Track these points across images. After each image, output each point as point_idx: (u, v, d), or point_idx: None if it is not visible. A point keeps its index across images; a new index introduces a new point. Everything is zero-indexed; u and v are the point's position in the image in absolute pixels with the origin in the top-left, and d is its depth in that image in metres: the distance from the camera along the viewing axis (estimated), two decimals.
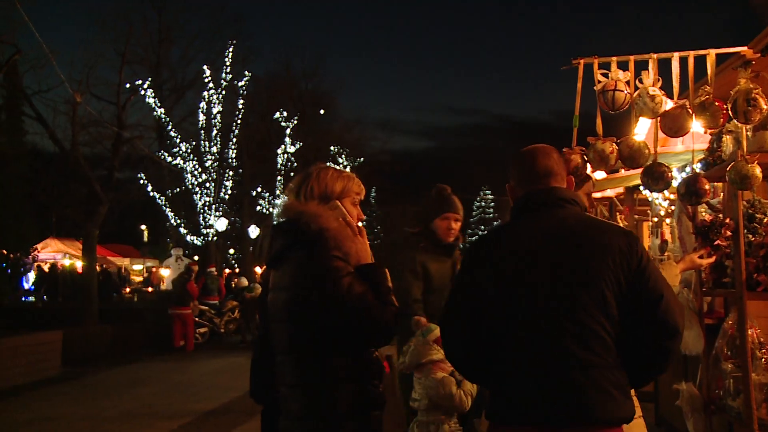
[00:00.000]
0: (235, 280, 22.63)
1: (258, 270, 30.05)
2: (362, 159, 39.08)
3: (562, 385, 2.40)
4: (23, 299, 25.44)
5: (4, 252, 22.36)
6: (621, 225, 9.94)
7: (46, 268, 29.04)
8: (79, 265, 26.06)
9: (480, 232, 73.53)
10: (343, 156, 37.16)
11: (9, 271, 23.14)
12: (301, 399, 2.75)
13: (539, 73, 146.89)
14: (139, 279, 38.50)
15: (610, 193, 9.54)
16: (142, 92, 24.47)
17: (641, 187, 6.37)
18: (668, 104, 4.55)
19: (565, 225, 2.60)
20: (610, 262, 2.48)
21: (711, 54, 4.52)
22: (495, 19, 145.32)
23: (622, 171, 7.01)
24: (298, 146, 33.74)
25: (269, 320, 2.91)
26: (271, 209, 34.19)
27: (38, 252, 26.46)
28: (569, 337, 2.42)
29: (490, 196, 74.08)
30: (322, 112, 41.27)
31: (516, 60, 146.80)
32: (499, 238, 2.70)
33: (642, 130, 6.27)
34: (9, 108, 23.24)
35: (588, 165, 4.52)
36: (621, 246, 2.52)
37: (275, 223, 3.00)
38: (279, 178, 33.64)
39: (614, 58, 4.66)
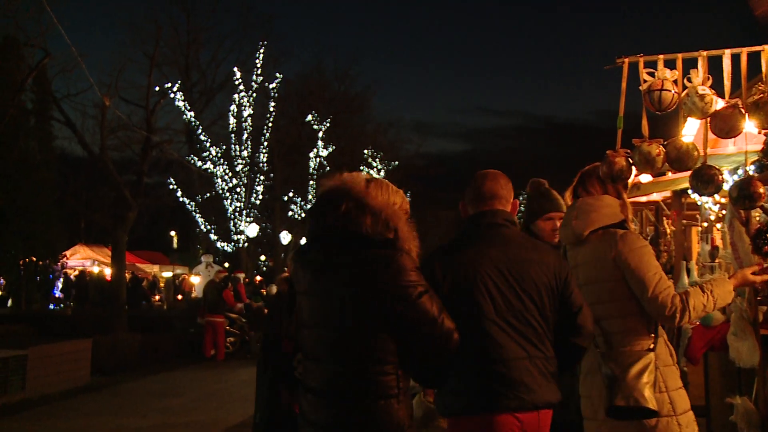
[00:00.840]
0: (266, 287, 22.72)
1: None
2: (396, 162, 39.09)
3: (516, 373, 2.98)
4: (52, 307, 25.77)
5: (33, 259, 22.72)
6: (667, 230, 9.82)
7: (73, 275, 29.42)
8: (107, 272, 26.36)
9: None
10: (377, 159, 37.20)
11: (38, 278, 23.54)
12: (336, 411, 2.74)
13: (582, 73, 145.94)
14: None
15: (656, 197, 9.43)
16: (172, 95, 24.76)
17: (690, 191, 6.27)
18: (719, 104, 4.48)
19: (511, 243, 3.19)
20: (547, 274, 3.14)
21: (766, 50, 4.44)
22: (535, 18, 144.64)
23: (669, 174, 6.92)
24: (330, 150, 33.84)
25: (305, 323, 2.90)
26: (303, 214, 34.33)
27: (67, 259, 26.84)
28: (519, 335, 3.02)
29: None
30: (355, 114, 41.41)
31: (557, 59, 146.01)
32: (454, 254, 3.16)
33: (690, 131, 6.19)
34: (38, 112, 23.60)
35: (633, 168, 4.46)
36: (554, 261, 3.20)
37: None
38: (311, 182, 33.76)
39: (661, 56, 4.60)
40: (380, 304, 2.69)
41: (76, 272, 29.95)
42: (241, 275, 20.94)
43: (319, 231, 2.92)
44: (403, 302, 2.67)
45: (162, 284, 36.69)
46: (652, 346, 3.52)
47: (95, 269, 30.54)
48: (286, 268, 11.73)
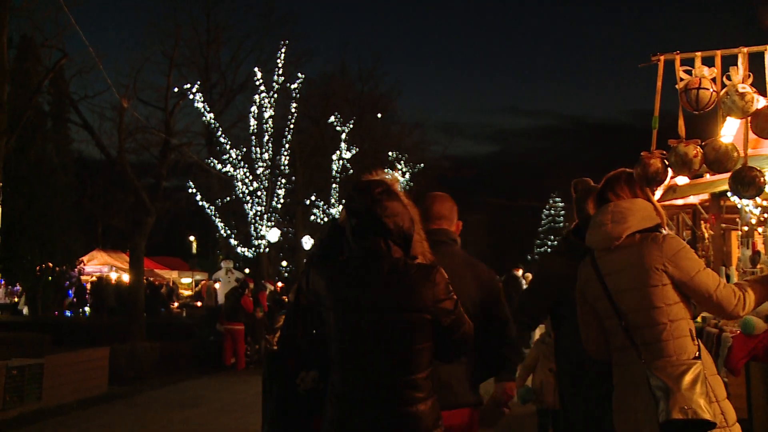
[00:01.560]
0: (287, 294, 22.75)
1: None
2: (422, 165, 39.05)
3: (444, 376, 3.49)
4: (67, 314, 26.00)
5: (50, 265, 22.92)
6: (705, 235, 9.73)
7: (88, 283, 29.65)
8: (126, 278, 26.54)
9: (549, 243, 72.67)
10: (402, 162, 37.20)
11: (51, 280, 23.73)
12: (370, 417, 2.94)
13: (616, 71, 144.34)
14: (188, 293, 39.04)
15: (693, 199, 9.34)
16: (191, 96, 24.90)
17: (729, 194, 6.22)
18: (760, 102, 4.43)
19: (452, 258, 3.79)
20: (479, 289, 3.70)
21: None
22: (567, 15, 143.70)
23: (707, 176, 6.86)
24: (354, 152, 33.88)
25: (339, 333, 3.05)
26: (325, 219, 34.39)
27: (84, 265, 27.05)
28: None
29: (561, 204, 73.07)
30: (379, 115, 41.40)
31: (590, 57, 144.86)
32: None
33: (730, 131, 6.13)
34: (55, 115, 23.84)
35: (669, 170, 4.41)
36: (486, 278, 3.85)
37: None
38: (334, 185, 33.81)
39: (698, 54, 4.56)
40: (424, 317, 2.97)
41: (93, 278, 30.21)
42: (270, 286, 20.95)
43: (355, 234, 3.11)
44: (449, 315, 3.02)
45: (181, 290, 36.91)
46: (698, 353, 3.48)
47: (113, 275, 30.79)
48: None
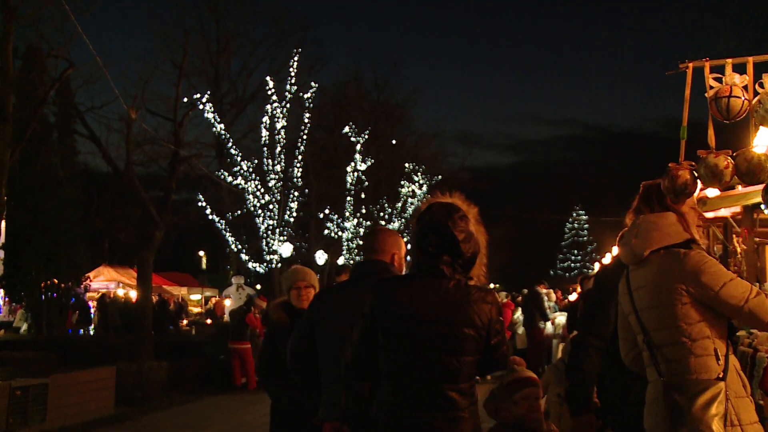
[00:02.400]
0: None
1: None
2: (440, 177, 39.05)
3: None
4: (74, 332, 26.08)
5: (55, 281, 23.03)
6: (738, 249, 9.66)
7: (93, 300, 29.76)
8: (133, 294, 26.63)
9: (573, 258, 72.31)
10: (419, 173, 37.21)
11: (59, 301, 23.82)
12: (426, 418, 3.37)
13: (643, 79, 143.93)
14: (198, 310, 39.11)
15: (725, 212, 9.28)
16: (201, 107, 25.01)
17: (763, 206, 6.17)
18: None
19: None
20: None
21: None
22: (591, 21, 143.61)
23: (739, 188, 6.82)
24: (369, 163, 33.90)
25: (394, 346, 3.47)
26: (339, 233, 34.42)
27: (90, 281, 27.17)
28: None
29: (584, 217, 72.74)
30: (395, 125, 41.51)
31: (615, 64, 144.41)
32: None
33: (763, 141, 6.08)
34: (61, 126, 24.01)
35: (698, 182, 4.38)
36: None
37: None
38: (348, 198, 33.84)
39: (729, 60, 4.53)
40: (480, 333, 3.43)
41: (98, 295, 30.33)
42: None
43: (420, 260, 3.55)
44: (498, 335, 3.50)
45: (190, 307, 36.96)
46: (721, 374, 3.44)
47: (120, 292, 30.89)
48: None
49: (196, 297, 42.10)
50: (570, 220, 74.03)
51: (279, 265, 28.77)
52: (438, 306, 3.40)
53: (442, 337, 3.38)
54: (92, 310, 28.72)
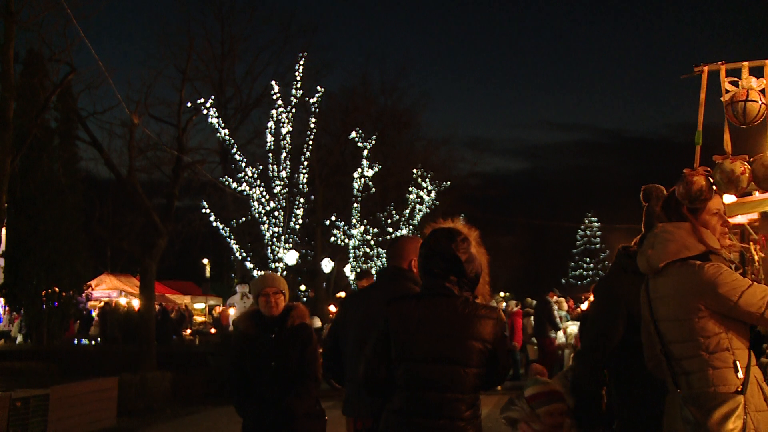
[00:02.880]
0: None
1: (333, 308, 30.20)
2: (448, 183, 39.04)
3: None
4: (75, 342, 26.11)
5: (56, 290, 23.05)
6: (755, 257, 9.60)
7: (95, 309, 29.78)
8: (135, 303, 26.64)
9: (585, 265, 72.14)
10: (427, 180, 37.20)
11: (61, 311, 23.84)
12: (433, 424, 3.71)
13: (656, 83, 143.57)
14: (202, 319, 39.11)
15: (741, 219, 9.22)
16: (205, 112, 25.06)
17: None
18: None
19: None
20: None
21: None
22: (602, 23, 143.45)
23: (757, 194, 6.77)
24: (376, 169, 33.90)
25: (412, 358, 3.82)
26: (346, 240, 34.42)
27: (92, 290, 27.20)
28: None
29: (596, 224, 72.63)
30: (403, 130, 41.51)
31: (628, 67, 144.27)
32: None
33: None
34: (63, 132, 24.05)
35: (714, 188, 4.36)
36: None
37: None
38: (355, 205, 33.83)
39: (745, 63, 4.52)
40: (486, 347, 3.79)
41: (101, 304, 30.34)
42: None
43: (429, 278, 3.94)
44: (502, 350, 3.87)
45: (195, 316, 36.96)
46: (740, 387, 3.42)
47: (122, 300, 30.92)
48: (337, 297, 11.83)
49: (199, 306, 42.10)
50: (582, 226, 74.00)
51: (285, 273, 28.76)
52: (447, 321, 3.78)
53: (451, 350, 3.75)
54: (95, 320, 28.76)
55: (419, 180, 36.96)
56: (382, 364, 3.90)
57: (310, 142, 29.05)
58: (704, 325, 3.46)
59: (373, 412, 4.32)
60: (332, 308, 30.37)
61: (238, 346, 5.54)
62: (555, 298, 18.24)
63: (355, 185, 33.67)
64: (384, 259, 32.49)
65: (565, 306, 19.09)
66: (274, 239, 28.11)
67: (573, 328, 16.71)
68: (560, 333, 17.28)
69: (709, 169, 4.36)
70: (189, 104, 23.06)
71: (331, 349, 5.03)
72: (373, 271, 18.62)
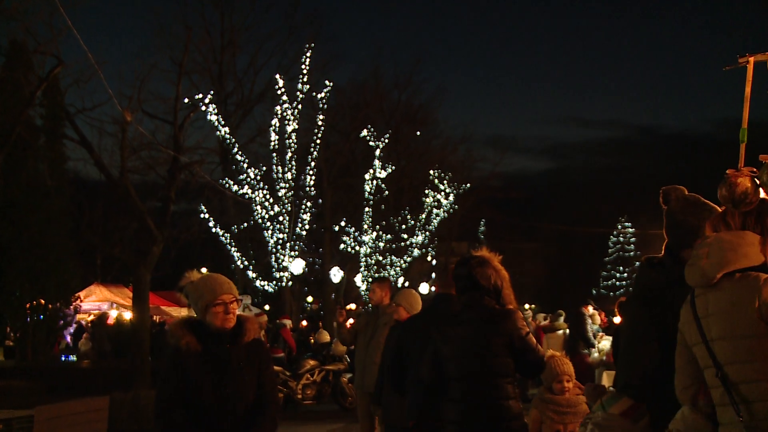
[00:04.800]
0: (314, 334, 22.76)
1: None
2: (468, 185, 39.03)
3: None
4: (64, 358, 26.18)
5: (42, 302, 23.09)
6: None
7: (87, 321, 29.83)
8: (127, 315, 26.68)
9: (618, 275, 71.81)
10: (445, 182, 37.19)
11: (46, 324, 23.85)
12: (483, 405, 5.20)
13: (696, 74, 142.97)
14: None
15: None
16: (203, 108, 25.12)
17: None
18: None
19: None
20: None
21: None
22: (632, 11, 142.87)
23: None
24: (389, 170, 33.90)
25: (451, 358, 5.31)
26: (357, 248, 34.41)
27: (81, 301, 27.25)
28: None
29: (630, 230, 72.26)
30: (418, 132, 41.49)
31: (665, 58, 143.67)
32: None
33: None
34: (49, 130, 24.11)
35: (760, 190, 4.32)
36: None
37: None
38: (367, 209, 33.83)
39: None
40: (504, 340, 5.19)
41: (91, 317, 30.39)
42: (288, 321, 21.02)
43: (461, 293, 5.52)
44: (520, 340, 5.21)
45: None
46: None
47: (113, 313, 30.96)
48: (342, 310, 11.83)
49: None
50: (614, 232, 73.55)
51: (290, 283, 28.80)
52: (478, 325, 5.26)
53: (485, 346, 5.20)
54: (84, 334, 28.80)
55: (436, 182, 36.96)
56: (436, 365, 5.38)
57: (318, 141, 29.08)
58: (765, 345, 3.38)
59: (414, 416, 5.78)
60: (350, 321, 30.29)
61: (175, 367, 4.81)
62: (591, 311, 18.11)
63: (367, 188, 33.68)
64: (397, 268, 32.50)
65: (598, 320, 18.97)
66: (279, 246, 28.16)
67: (605, 343, 16.61)
68: (593, 350, 17.17)
69: (755, 169, 4.31)
70: (186, 100, 23.13)
71: (397, 363, 6.30)
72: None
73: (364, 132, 33.29)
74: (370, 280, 33.17)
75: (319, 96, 29.02)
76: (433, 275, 47.56)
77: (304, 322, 31.26)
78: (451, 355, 5.34)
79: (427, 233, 37.83)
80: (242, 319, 4.98)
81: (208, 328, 4.85)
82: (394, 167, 34.63)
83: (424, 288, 40.66)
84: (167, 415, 4.77)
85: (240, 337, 4.90)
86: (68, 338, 28.03)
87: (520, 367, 5.30)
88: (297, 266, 28.13)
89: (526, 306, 52.60)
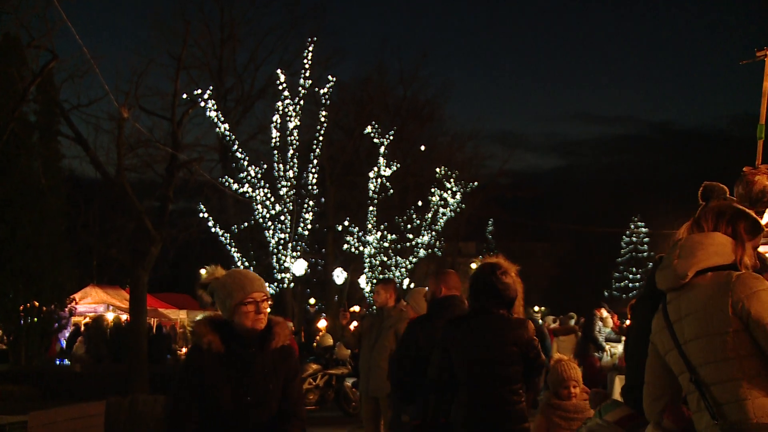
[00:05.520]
0: (317, 337, 22.76)
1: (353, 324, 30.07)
2: (475, 183, 38.99)
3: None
4: (59, 362, 26.18)
5: (36, 304, 23.08)
6: None
7: (83, 323, 29.83)
8: (124, 318, 26.68)
9: (631, 276, 71.68)
10: (452, 180, 37.15)
11: (40, 326, 23.85)
12: (493, 409, 5.55)
13: (711, 69, 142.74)
14: None
15: None
16: (202, 104, 25.14)
17: None
18: None
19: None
20: None
21: None
22: (645, 5, 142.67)
23: None
24: (394, 168, 33.88)
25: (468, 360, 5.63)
26: (361, 248, 34.40)
27: (76, 303, 27.26)
28: None
29: (643, 230, 72.12)
30: (424, 125, 41.44)
31: (678, 51, 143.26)
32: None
33: None
34: (43, 126, 24.09)
35: None
36: None
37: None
38: (371, 208, 33.82)
39: None
40: (517, 349, 5.55)
41: (87, 319, 30.38)
42: (289, 324, 21.04)
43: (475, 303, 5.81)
44: (533, 350, 5.60)
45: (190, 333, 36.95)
46: None
47: (109, 315, 30.95)
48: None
49: None
50: (627, 232, 73.38)
51: (292, 284, 28.81)
52: (491, 333, 5.58)
53: (497, 354, 5.53)
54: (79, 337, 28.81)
55: (443, 180, 36.92)
56: (446, 368, 5.69)
57: (320, 138, 29.12)
58: (739, 341, 3.35)
59: (419, 416, 5.98)
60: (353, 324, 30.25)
61: (193, 367, 4.46)
62: (604, 314, 18.09)
63: (371, 186, 33.68)
64: (402, 269, 32.47)
65: (610, 323, 18.94)
66: (280, 247, 28.19)
67: (619, 348, 16.59)
68: (605, 354, 17.16)
69: None
70: (185, 96, 23.17)
71: (407, 366, 6.60)
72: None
73: (368, 129, 33.30)
74: (374, 281, 33.14)
75: (321, 91, 29.07)
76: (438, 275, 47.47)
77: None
78: (461, 359, 5.64)
79: (434, 233, 37.81)
80: (273, 322, 4.62)
81: (236, 329, 4.51)
82: (399, 165, 34.65)
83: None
84: (180, 428, 4.41)
85: (268, 342, 4.53)
86: (62, 341, 27.98)
87: (527, 373, 5.68)
88: (299, 267, 28.16)
89: (536, 308, 52.60)
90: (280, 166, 28.19)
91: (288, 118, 27.93)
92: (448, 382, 5.76)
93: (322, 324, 29.15)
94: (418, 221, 37.10)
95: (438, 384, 5.80)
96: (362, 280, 35.97)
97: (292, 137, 28.13)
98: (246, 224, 29.80)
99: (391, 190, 34.27)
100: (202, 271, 4.80)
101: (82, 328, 29.12)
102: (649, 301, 4.28)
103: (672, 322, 3.60)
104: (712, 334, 3.43)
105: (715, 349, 3.42)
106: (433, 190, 36.86)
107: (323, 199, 33.60)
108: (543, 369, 6.04)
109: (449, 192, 36.97)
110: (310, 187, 29.11)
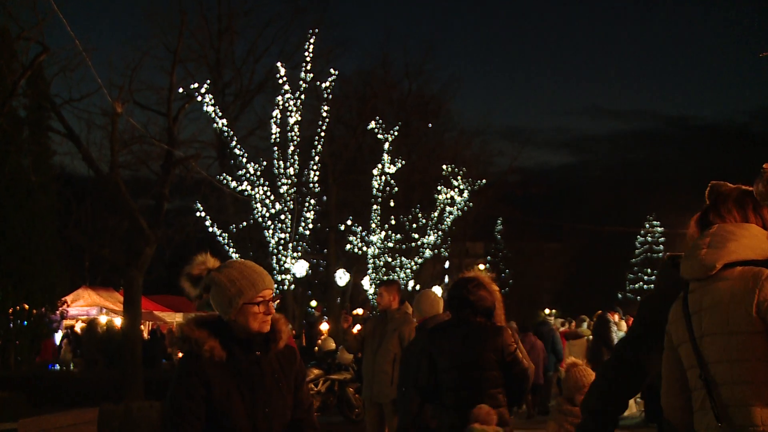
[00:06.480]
0: (319, 341, 22.77)
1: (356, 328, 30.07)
2: (483, 181, 38.97)
3: None
4: (50, 367, 26.21)
5: (26, 307, 23.10)
6: None
7: (78, 327, 29.88)
8: (118, 321, 26.70)
9: (646, 277, 71.53)
10: (459, 177, 37.12)
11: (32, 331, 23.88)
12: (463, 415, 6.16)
13: (729, 62, 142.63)
14: None
15: None
16: (199, 98, 25.11)
17: None
18: None
19: None
20: None
21: None
22: None
23: None
24: (399, 165, 33.86)
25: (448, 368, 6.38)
26: (364, 248, 34.40)
27: (68, 306, 27.30)
28: None
29: (659, 229, 71.99)
30: (430, 125, 41.43)
31: (695, 44, 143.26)
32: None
33: None
34: (33, 122, 24.11)
35: None
36: None
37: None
38: (375, 207, 33.80)
39: None
40: (493, 356, 6.22)
41: (78, 323, 30.43)
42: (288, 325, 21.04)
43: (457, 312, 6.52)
44: (509, 355, 6.25)
45: None
46: None
47: (102, 318, 30.98)
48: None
49: None
50: (642, 232, 73.25)
51: (292, 286, 28.80)
52: (470, 340, 6.29)
53: (476, 360, 6.23)
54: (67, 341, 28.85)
55: (449, 178, 36.89)
56: (431, 374, 6.45)
57: (322, 134, 29.07)
58: (757, 343, 3.31)
59: (407, 423, 7.19)
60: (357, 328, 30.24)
61: (197, 381, 3.89)
62: (617, 318, 18.06)
63: (375, 184, 33.67)
64: (407, 270, 32.51)
65: (624, 326, 18.92)
66: (280, 247, 28.16)
67: None
68: None
69: None
70: (181, 90, 23.11)
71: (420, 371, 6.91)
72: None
73: (372, 124, 33.25)
74: (377, 283, 33.14)
75: (323, 85, 29.01)
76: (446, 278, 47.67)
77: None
78: (445, 367, 6.39)
79: (440, 233, 37.79)
80: (273, 319, 4.11)
81: (236, 331, 4.01)
82: (404, 162, 34.60)
83: (437, 292, 40.57)
84: None
85: (273, 343, 4.07)
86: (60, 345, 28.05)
87: (508, 378, 6.33)
88: (300, 268, 28.14)
89: (546, 311, 52.50)
90: (280, 163, 28.15)
91: (288, 113, 27.88)
92: (435, 389, 6.49)
93: (324, 327, 29.21)
94: (424, 220, 37.07)
95: (427, 391, 6.60)
96: (365, 282, 35.95)
97: (293, 133, 28.09)
98: (245, 223, 29.79)
99: (396, 188, 34.21)
100: (212, 258, 4.42)
101: (64, 330, 29.16)
102: (656, 301, 4.26)
103: (691, 313, 3.54)
104: (731, 332, 3.36)
105: (731, 348, 3.36)
106: (439, 188, 36.82)
107: (325, 198, 33.61)
108: (526, 377, 6.39)
109: (456, 190, 36.93)
110: (311, 185, 29.06)
